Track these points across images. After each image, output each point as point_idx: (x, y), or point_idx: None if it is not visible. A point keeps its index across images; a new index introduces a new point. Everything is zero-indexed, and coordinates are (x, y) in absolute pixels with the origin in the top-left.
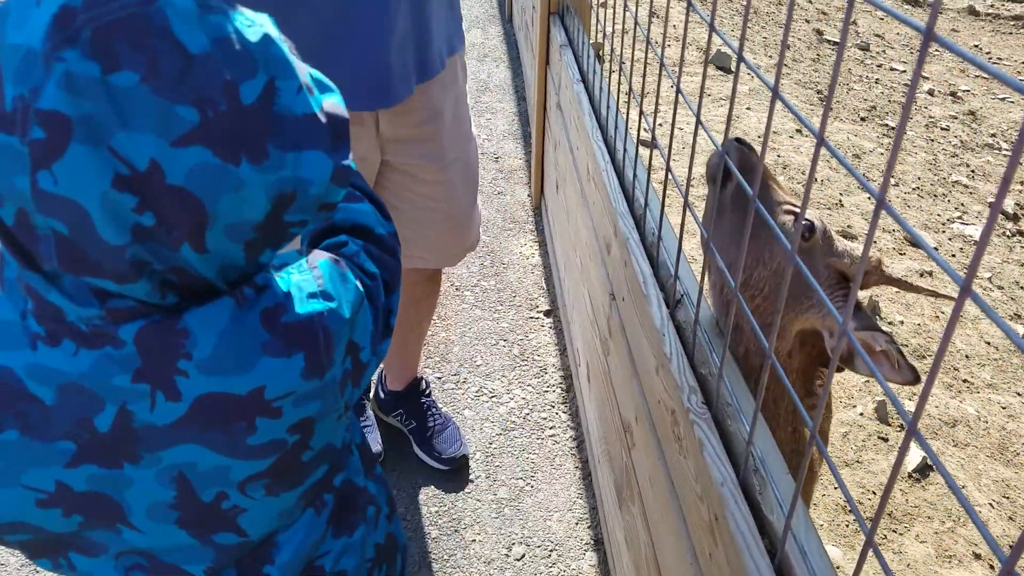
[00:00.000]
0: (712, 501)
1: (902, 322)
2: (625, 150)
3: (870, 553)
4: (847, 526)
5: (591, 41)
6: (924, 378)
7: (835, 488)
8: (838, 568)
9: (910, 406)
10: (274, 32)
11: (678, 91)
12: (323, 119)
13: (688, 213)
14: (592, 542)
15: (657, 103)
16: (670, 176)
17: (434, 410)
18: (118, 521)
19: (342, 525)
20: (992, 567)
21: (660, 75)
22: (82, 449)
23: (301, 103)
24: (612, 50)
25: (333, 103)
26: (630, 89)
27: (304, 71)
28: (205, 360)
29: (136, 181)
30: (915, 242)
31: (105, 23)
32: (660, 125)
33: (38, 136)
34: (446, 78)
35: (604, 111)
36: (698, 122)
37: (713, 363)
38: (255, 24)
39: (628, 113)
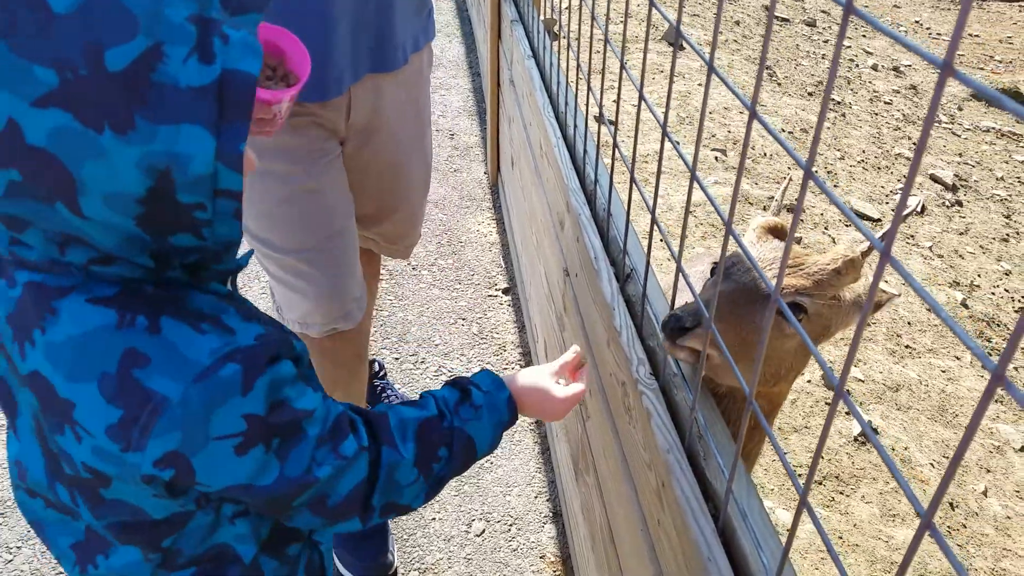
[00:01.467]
0: (659, 468)
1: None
2: (575, 126)
3: (821, 514)
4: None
5: (542, 17)
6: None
7: (784, 454)
8: (787, 529)
9: (856, 371)
10: None
11: (622, 67)
12: (214, 91)
13: (635, 188)
14: (551, 514)
15: (603, 79)
16: (619, 152)
17: (389, 391)
18: (11, 416)
19: None
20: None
21: (605, 51)
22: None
23: (188, 73)
24: (561, 27)
25: (240, 74)
26: (578, 65)
27: (217, 32)
28: (51, 344)
29: None
30: (860, 213)
31: None
32: (613, 102)
33: None
34: (409, 71)
35: (555, 87)
36: (641, 98)
37: (660, 336)
38: None
39: (577, 88)
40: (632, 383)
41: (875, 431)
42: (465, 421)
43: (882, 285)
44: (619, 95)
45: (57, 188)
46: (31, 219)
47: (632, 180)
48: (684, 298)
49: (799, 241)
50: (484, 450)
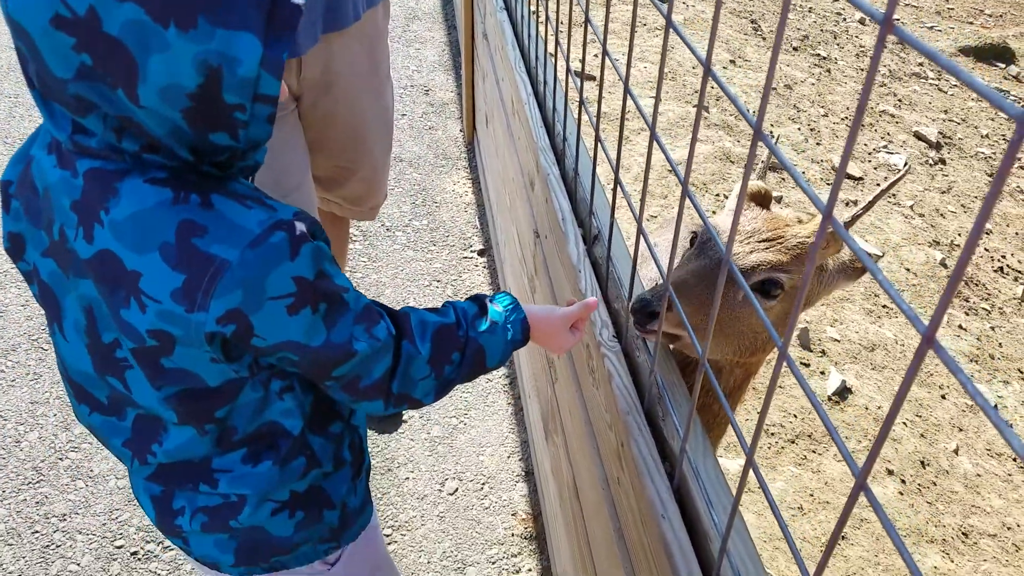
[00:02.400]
0: (619, 429)
1: None
2: (546, 81)
3: (793, 472)
4: (769, 448)
5: None
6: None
7: (758, 413)
8: (759, 488)
9: (832, 331)
10: None
11: (587, 21)
12: (267, 5)
13: (600, 148)
14: (523, 474)
15: (569, 32)
16: (589, 110)
17: None
18: (56, 320)
19: (249, 456)
20: (904, 482)
21: (571, 4)
22: (51, 245)
23: None
24: None
25: None
26: (547, 18)
27: None
28: (116, 222)
29: (74, 24)
30: (844, 172)
31: None
32: (595, 56)
33: None
34: (363, 26)
35: (527, 41)
36: (604, 53)
37: (624, 299)
38: None
39: (545, 42)
40: (595, 345)
41: (849, 390)
42: (480, 333)
43: (865, 247)
44: (584, 51)
45: (121, 75)
46: (96, 102)
47: (597, 139)
48: (652, 264)
49: (779, 200)
50: (494, 363)
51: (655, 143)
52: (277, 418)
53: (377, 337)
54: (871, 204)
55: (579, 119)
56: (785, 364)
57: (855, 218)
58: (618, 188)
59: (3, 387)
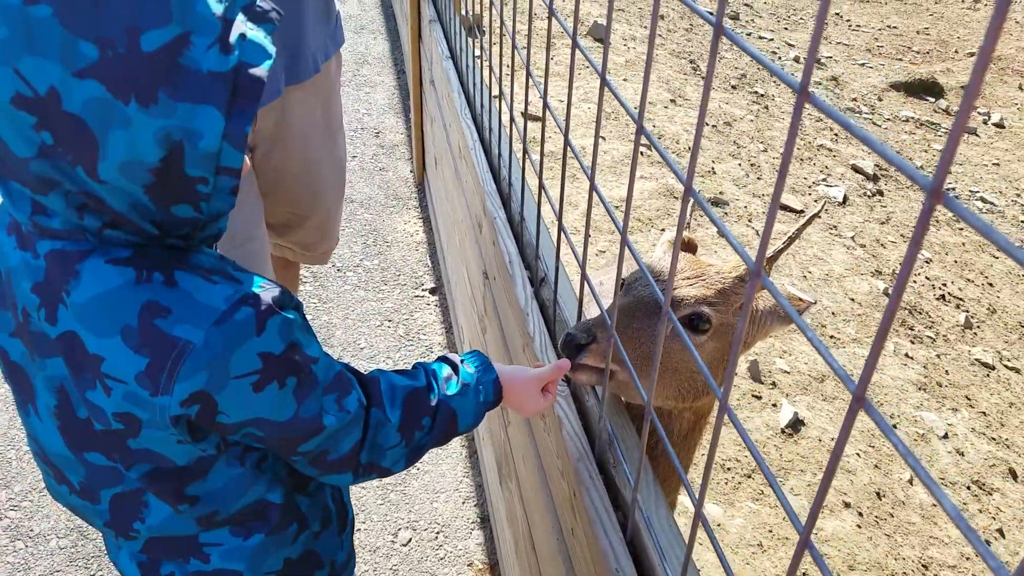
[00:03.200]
0: (571, 477)
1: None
2: (490, 128)
3: (751, 508)
4: (726, 483)
5: (460, 15)
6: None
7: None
8: (719, 525)
9: (781, 363)
10: None
11: (528, 73)
12: (229, 78)
13: (544, 193)
14: (479, 520)
15: (513, 79)
16: (537, 156)
17: None
18: (29, 402)
19: (239, 529)
20: (861, 514)
21: (513, 50)
22: (18, 327)
23: (210, 60)
24: (481, 30)
25: (254, 68)
26: (490, 67)
27: (237, 31)
28: (77, 305)
29: (35, 103)
30: (783, 204)
31: None
32: (540, 98)
33: None
34: (319, 79)
35: (472, 88)
36: (544, 105)
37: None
38: None
39: (491, 90)
40: None
41: (802, 422)
42: (451, 396)
43: (798, 292)
44: (527, 94)
45: (80, 152)
46: (57, 179)
47: (540, 186)
48: (596, 306)
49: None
50: (466, 425)
51: (594, 192)
52: (262, 495)
53: (347, 409)
54: (791, 241)
55: (523, 165)
56: (739, 397)
57: (777, 254)
58: (561, 234)
59: None
